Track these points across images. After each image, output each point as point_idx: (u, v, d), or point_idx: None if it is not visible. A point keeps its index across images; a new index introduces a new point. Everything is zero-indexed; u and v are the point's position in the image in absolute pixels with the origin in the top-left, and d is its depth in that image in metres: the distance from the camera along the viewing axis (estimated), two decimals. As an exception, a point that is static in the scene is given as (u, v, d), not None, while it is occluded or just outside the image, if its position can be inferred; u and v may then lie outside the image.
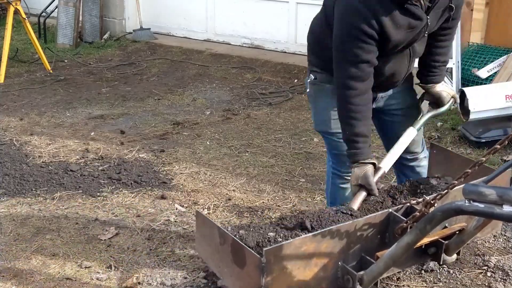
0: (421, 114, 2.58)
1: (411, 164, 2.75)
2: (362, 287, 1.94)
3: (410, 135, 2.50)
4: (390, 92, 2.57)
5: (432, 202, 1.87)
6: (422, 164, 2.76)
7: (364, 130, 2.24)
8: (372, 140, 4.19)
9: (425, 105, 2.70)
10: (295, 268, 1.79)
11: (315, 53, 2.51)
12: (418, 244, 1.86)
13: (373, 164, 2.26)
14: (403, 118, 2.60)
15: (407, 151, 2.65)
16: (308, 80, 2.54)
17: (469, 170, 1.82)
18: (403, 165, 2.75)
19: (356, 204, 2.21)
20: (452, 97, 2.61)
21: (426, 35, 2.34)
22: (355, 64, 2.16)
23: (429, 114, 2.60)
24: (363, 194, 2.24)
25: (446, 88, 2.62)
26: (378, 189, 2.26)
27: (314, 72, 2.51)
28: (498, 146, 1.76)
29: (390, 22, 2.12)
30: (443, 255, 2.23)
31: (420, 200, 2.01)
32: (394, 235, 1.96)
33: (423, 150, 2.75)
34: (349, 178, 2.45)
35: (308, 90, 2.57)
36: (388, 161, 2.41)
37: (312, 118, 2.69)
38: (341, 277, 1.93)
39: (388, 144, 2.66)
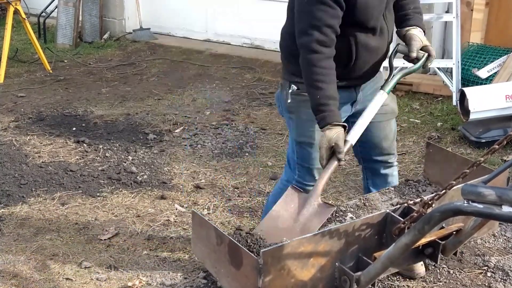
0: (392, 74, 2.34)
1: (385, 172, 2.61)
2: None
3: (380, 100, 2.27)
4: (367, 92, 2.44)
5: (429, 202, 1.87)
6: (395, 174, 2.64)
7: (334, 92, 2.18)
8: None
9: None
10: (292, 269, 1.79)
11: (292, 61, 2.32)
12: (416, 244, 1.86)
13: (344, 127, 2.18)
14: (380, 116, 2.41)
15: (381, 152, 2.53)
16: (290, 91, 2.37)
17: (467, 170, 1.81)
18: (376, 175, 2.62)
19: (323, 180, 2.17)
20: (426, 51, 2.33)
21: None
22: (319, 28, 2.14)
23: (400, 74, 2.36)
24: (334, 164, 2.15)
25: (420, 35, 2.34)
26: (345, 160, 2.16)
27: (295, 82, 2.35)
28: (497, 146, 1.75)
29: None
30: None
31: (418, 200, 2.01)
32: (391, 236, 1.96)
33: (395, 154, 2.61)
34: (311, 187, 2.36)
35: (289, 101, 2.39)
36: (355, 133, 2.24)
37: (294, 129, 2.46)
38: (338, 277, 1.93)
39: (363, 151, 2.56)
